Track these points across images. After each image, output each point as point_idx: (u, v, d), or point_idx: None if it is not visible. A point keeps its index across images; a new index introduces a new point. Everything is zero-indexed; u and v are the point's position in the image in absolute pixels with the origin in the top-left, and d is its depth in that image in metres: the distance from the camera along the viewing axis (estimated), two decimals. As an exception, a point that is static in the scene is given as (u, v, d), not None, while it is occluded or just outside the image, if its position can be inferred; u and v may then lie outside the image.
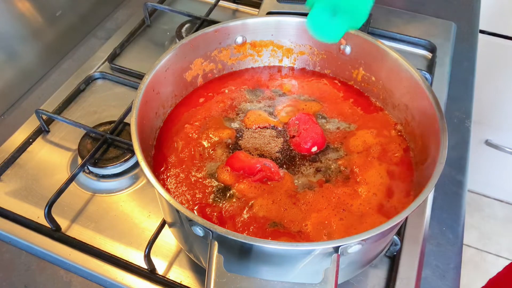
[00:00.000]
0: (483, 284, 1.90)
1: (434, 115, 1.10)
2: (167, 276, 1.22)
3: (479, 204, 3.53)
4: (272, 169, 1.15)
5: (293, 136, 1.24)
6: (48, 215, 1.25)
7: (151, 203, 1.36)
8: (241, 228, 1.06)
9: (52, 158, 1.46)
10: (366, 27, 1.82)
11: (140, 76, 1.67)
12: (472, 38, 1.93)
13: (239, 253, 0.95)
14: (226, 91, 1.37)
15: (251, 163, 1.15)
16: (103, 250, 1.25)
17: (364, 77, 1.35)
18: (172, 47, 1.24)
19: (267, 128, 1.27)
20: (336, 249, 0.89)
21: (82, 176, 1.41)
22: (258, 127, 1.27)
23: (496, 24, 2.59)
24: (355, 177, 1.16)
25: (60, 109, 1.57)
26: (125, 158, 1.41)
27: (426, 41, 1.83)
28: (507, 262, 1.85)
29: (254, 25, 1.35)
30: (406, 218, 1.31)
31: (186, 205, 1.11)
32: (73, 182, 1.36)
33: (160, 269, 1.23)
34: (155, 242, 1.20)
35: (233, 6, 2.02)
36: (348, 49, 1.33)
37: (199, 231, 0.92)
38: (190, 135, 1.25)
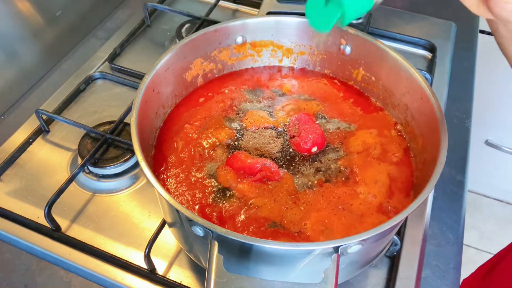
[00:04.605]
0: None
1: (434, 115, 1.10)
2: (167, 276, 1.22)
3: (479, 204, 3.53)
4: (272, 169, 1.15)
5: (293, 136, 1.24)
6: (48, 215, 1.25)
7: (151, 203, 1.36)
8: (241, 228, 1.06)
9: (52, 158, 1.46)
10: (366, 27, 1.82)
11: (140, 76, 1.67)
12: (472, 38, 1.93)
13: (239, 253, 0.95)
14: (226, 91, 1.37)
15: (251, 163, 1.15)
16: (103, 250, 1.25)
17: (364, 77, 1.35)
18: (172, 47, 1.24)
19: (267, 128, 1.27)
20: (336, 249, 0.89)
21: (82, 176, 1.41)
22: (258, 127, 1.27)
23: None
24: (355, 177, 1.16)
25: (60, 109, 1.57)
26: (125, 158, 1.41)
27: (426, 41, 1.83)
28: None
29: (254, 25, 1.35)
30: (406, 218, 1.31)
31: (186, 205, 1.11)
32: (73, 182, 1.36)
33: (160, 269, 1.23)
34: (155, 242, 1.20)
35: (233, 6, 2.02)
36: (348, 49, 1.33)
37: (199, 231, 0.92)
38: (190, 135, 1.25)
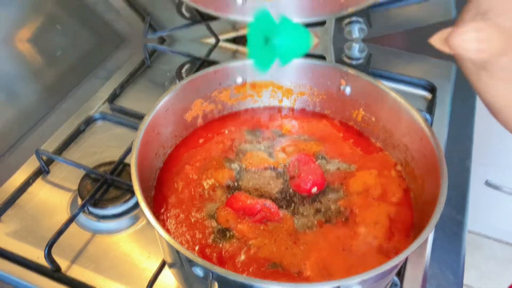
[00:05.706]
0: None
1: (434, 156, 1.10)
2: (166, 318, 1.21)
3: (479, 244, 3.51)
4: (272, 209, 1.15)
5: (293, 177, 1.24)
6: (48, 256, 1.25)
7: (151, 243, 1.35)
8: (241, 269, 1.06)
9: (52, 199, 1.46)
10: (366, 68, 1.82)
11: (140, 117, 1.67)
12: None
13: (239, 294, 0.94)
14: (226, 131, 1.38)
15: (251, 203, 1.15)
16: (102, 291, 1.25)
17: (364, 117, 1.35)
18: (172, 88, 1.25)
19: (267, 169, 1.27)
20: (337, 290, 0.88)
21: (82, 217, 1.40)
22: (258, 167, 1.27)
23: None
24: (354, 218, 1.16)
25: (60, 150, 1.57)
26: (125, 199, 1.41)
27: (426, 81, 1.84)
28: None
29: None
30: (406, 258, 1.30)
31: (186, 245, 1.11)
32: (73, 222, 1.36)
33: (160, 310, 1.22)
34: (155, 283, 1.20)
35: (233, 46, 2.02)
36: (348, 90, 1.34)
37: (199, 272, 0.92)
38: (190, 175, 1.25)
